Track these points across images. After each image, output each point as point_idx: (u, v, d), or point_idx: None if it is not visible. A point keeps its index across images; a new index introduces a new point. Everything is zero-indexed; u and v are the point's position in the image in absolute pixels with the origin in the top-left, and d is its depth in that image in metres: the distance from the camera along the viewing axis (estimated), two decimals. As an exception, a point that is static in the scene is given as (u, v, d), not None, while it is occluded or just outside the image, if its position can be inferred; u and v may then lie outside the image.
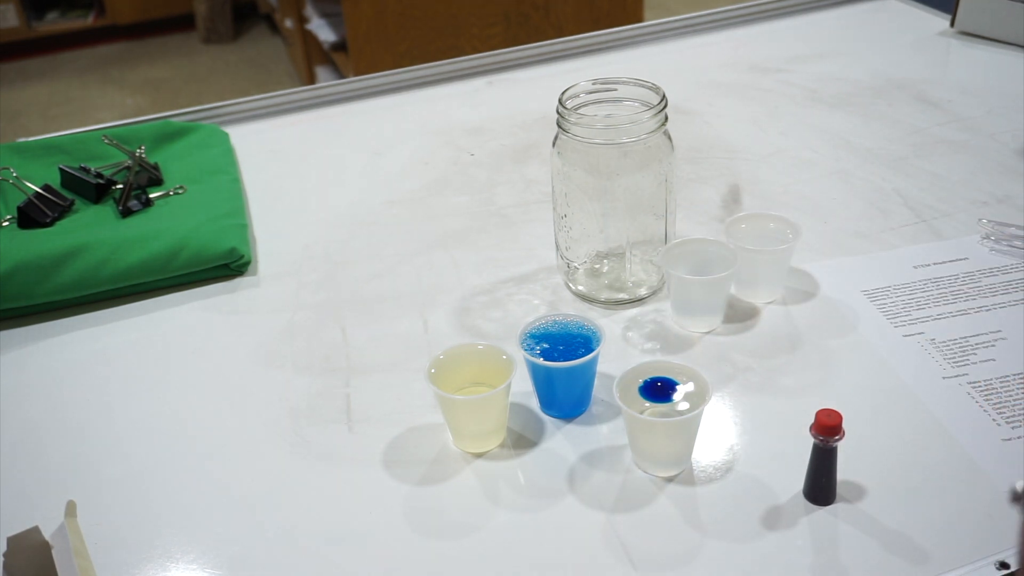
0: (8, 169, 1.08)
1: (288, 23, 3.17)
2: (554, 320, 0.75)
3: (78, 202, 1.05)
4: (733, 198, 1.02)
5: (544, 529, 0.65)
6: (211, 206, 1.02)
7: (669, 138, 0.82)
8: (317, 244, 1.00)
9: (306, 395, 0.79)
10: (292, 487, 0.70)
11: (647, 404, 0.67)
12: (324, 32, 2.78)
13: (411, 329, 0.86)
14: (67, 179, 1.07)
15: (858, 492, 0.66)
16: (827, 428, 0.61)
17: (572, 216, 0.84)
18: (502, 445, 0.72)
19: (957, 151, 1.07)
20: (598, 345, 0.71)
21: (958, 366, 0.76)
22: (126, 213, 1.02)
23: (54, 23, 3.76)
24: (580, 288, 0.88)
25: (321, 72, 2.98)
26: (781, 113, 1.21)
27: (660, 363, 0.69)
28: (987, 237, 0.91)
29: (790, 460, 0.68)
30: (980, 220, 0.93)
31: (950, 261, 0.89)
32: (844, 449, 0.69)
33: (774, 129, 1.17)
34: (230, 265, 0.95)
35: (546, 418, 0.74)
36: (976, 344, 0.78)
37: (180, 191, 1.07)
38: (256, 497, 0.70)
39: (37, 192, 1.02)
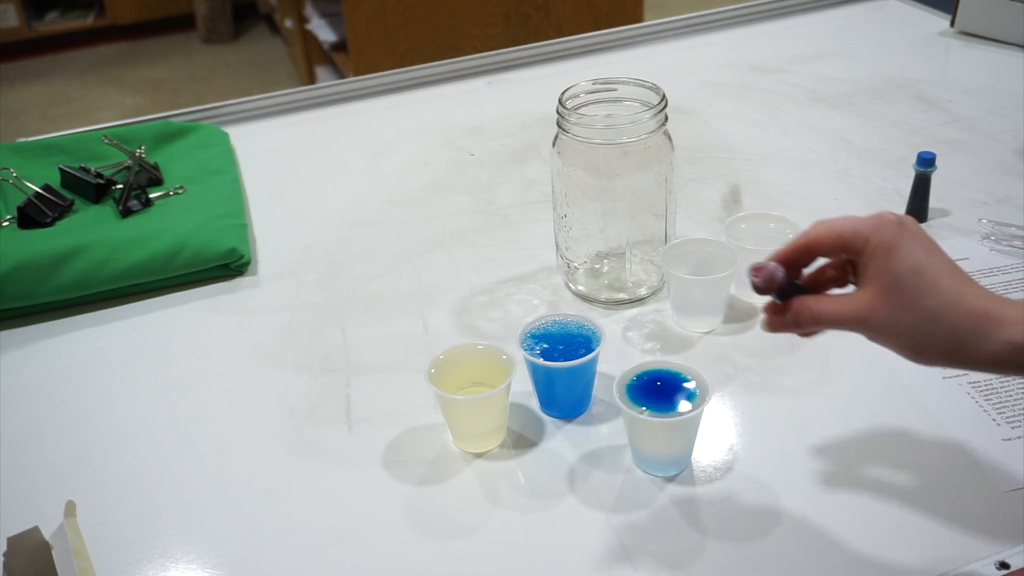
0: (8, 169, 1.08)
1: (288, 23, 3.16)
2: (554, 320, 0.75)
3: (78, 202, 1.05)
4: (733, 198, 1.02)
5: (544, 529, 0.65)
6: (211, 206, 1.02)
7: (669, 138, 0.82)
8: (317, 244, 1.00)
9: (306, 395, 0.79)
10: (292, 487, 0.70)
11: (643, 409, 0.67)
12: (324, 32, 2.78)
13: (411, 329, 0.86)
14: (67, 179, 1.07)
15: (858, 492, 0.66)
16: None
17: (572, 216, 0.84)
18: (502, 445, 0.72)
19: (957, 151, 1.07)
20: (598, 345, 0.71)
21: (958, 366, 0.76)
22: (126, 213, 1.02)
23: (54, 23, 3.76)
24: (580, 288, 0.88)
25: (321, 72, 2.98)
26: (781, 113, 1.21)
27: (660, 363, 0.69)
28: (987, 237, 0.91)
29: (790, 460, 0.68)
30: (980, 220, 0.93)
31: (950, 261, 0.88)
32: (844, 449, 0.69)
33: (774, 129, 1.17)
34: (230, 265, 0.95)
35: (546, 418, 0.74)
36: (976, 344, 0.78)
37: (180, 191, 1.07)
38: (256, 497, 0.70)
39: (37, 192, 1.02)
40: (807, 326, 0.58)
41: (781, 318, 0.59)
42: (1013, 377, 0.72)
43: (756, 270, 0.58)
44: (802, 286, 0.60)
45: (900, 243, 0.56)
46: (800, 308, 0.58)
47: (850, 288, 0.59)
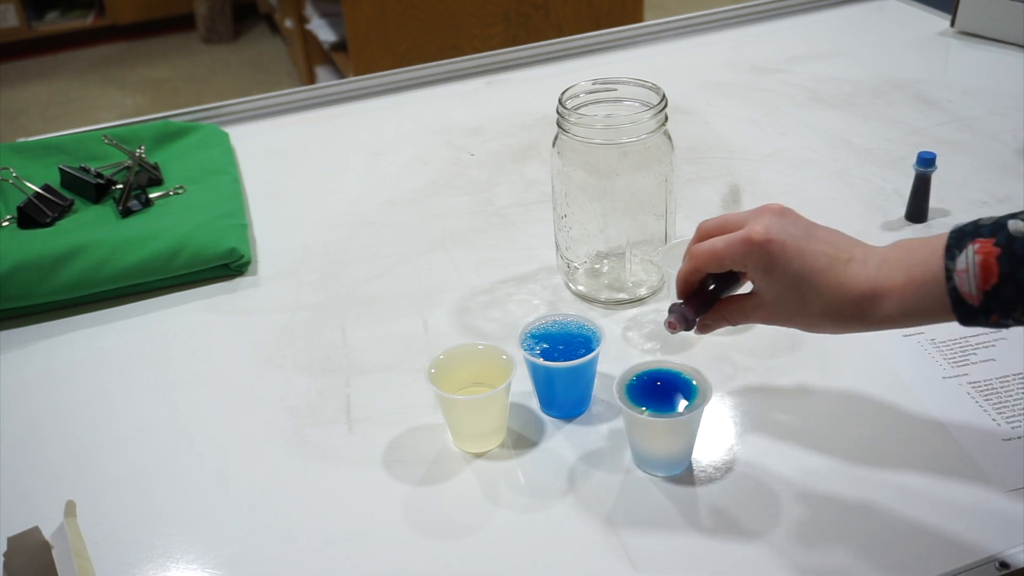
0: (8, 169, 1.08)
1: (288, 23, 3.17)
2: (554, 320, 0.75)
3: (78, 202, 1.05)
4: (733, 198, 1.02)
5: (544, 529, 0.65)
6: (211, 206, 1.02)
7: (669, 138, 0.82)
8: (317, 244, 1.00)
9: (306, 395, 0.79)
10: (292, 487, 0.70)
11: (643, 409, 0.67)
12: (324, 32, 2.78)
13: (411, 329, 0.86)
14: (67, 179, 1.07)
15: (858, 492, 0.66)
16: None
17: (572, 216, 0.84)
18: (502, 445, 0.72)
19: (957, 151, 1.07)
20: (598, 345, 0.71)
21: (958, 366, 0.76)
22: (126, 213, 1.02)
23: (54, 23, 3.76)
24: (580, 288, 0.88)
25: (321, 72, 2.98)
26: (781, 113, 1.21)
27: (660, 363, 0.69)
28: (987, 237, 0.91)
29: (790, 460, 0.68)
30: (980, 220, 0.93)
31: (950, 261, 0.88)
32: (843, 449, 0.69)
33: (774, 129, 1.17)
34: (230, 265, 0.95)
35: (546, 418, 0.74)
36: (976, 344, 0.78)
37: (180, 191, 1.07)
38: (256, 497, 0.70)
39: (37, 192, 1.02)
40: (726, 327, 0.69)
41: (707, 326, 0.69)
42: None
43: (672, 327, 0.67)
44: (712, 293, 0.67)
45: (773, 264, 0.62)
46: (717, 321, 0.68)
47: None
